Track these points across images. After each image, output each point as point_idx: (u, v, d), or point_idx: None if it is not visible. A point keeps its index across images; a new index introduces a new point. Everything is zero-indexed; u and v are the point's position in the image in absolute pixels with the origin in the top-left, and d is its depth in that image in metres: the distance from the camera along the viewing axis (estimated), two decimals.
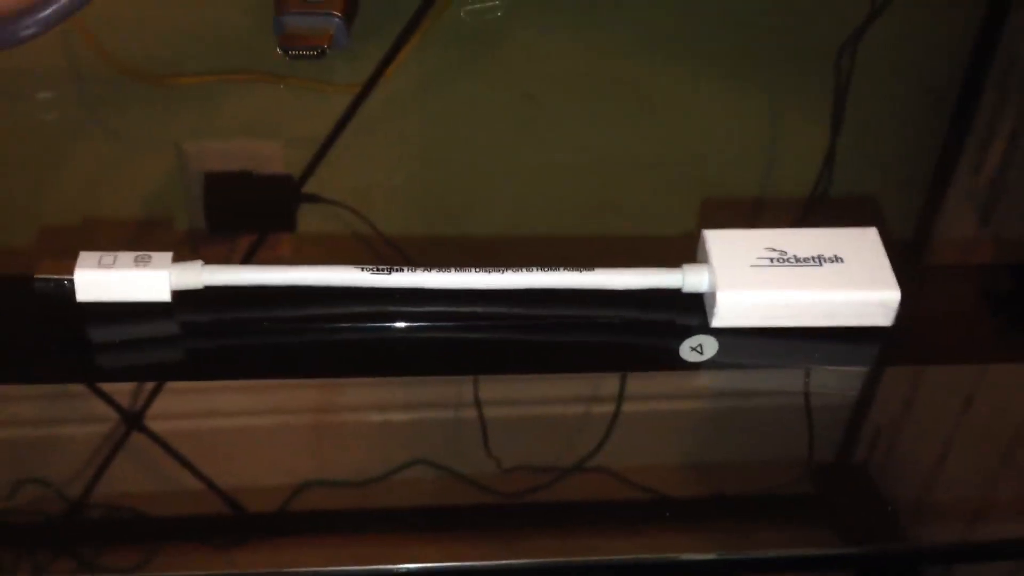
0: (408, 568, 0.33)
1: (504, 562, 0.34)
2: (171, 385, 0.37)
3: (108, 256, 0.36)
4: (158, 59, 0.49)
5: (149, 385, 0.37)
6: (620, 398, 0.37)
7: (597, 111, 0.48)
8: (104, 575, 0.33)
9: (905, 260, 0.37)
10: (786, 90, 0.49)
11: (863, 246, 0.37)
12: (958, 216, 0.45)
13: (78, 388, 0.37)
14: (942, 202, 0.46)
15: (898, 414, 0.38)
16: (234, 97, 0.48)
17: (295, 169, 0.44)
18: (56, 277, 0.36)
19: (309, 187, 0.44)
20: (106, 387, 0.37)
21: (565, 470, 0.35)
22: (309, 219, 0.44)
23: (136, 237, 0.42)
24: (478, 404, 0.37)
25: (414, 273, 0.37)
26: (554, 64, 0.50)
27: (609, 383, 0.38)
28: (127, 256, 0.37)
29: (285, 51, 0.47)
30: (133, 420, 0.36)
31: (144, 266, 0.36)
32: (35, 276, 0.36)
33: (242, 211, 0.44)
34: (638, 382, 0.38)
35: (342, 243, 0.43)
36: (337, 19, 0.47)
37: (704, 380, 0.38)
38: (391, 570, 0.33)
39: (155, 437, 0.36)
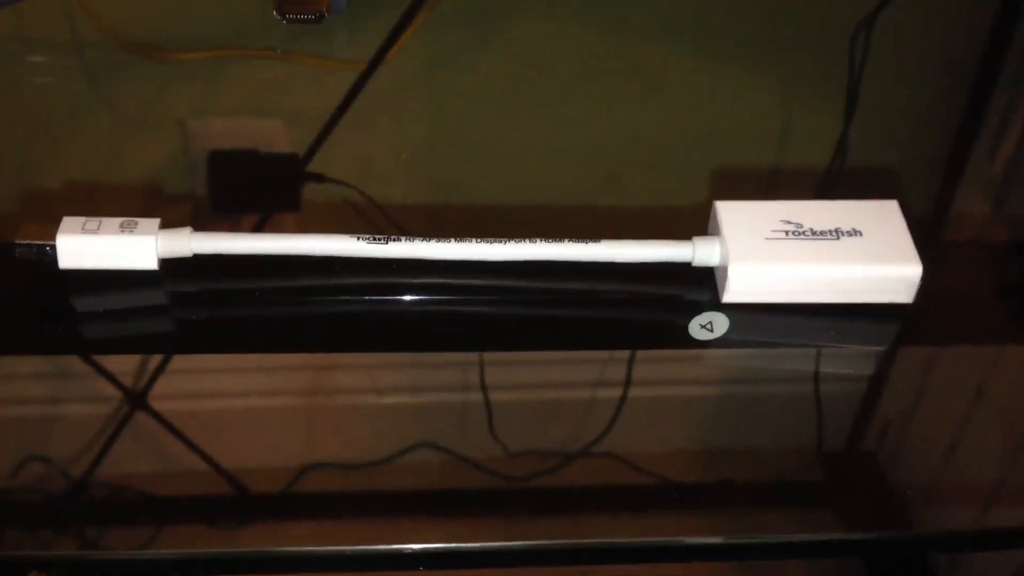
0: (412, 548, 0.32)
1: (506, 544, 0.33)
2: (175, 364, 0.36)
3: (92, 221, 0.35)
4: (160, 33, 0.48)
5: (153, 364, 0.36)
6: (627, 383, 0.36)
7: (606, 87, 0.47)
8: (107, 551, 0.32)
9: (922, 238, 0.36)
10: (801, 69, 0.48)
11: (883, 219, 0.36)
12: (973, 197, 0.44)
13: (81, 367, 0.36)
14: (957, 183, 0.44)
15: (910, 401, 0.36)
16: (238, 73, 0.47)
17: (300, 147, 0.43)
18: (38, 243, 0.35)
19: (314, 165, 0.43)
20: (110, 366, 0.36)
21: (571, 455, 0.34)
22: (314, 198, 0.42)
23: (132, 213, 0.41)
24: (484, 387, 0.36)
25: (412, 243, 0.36)
26: (563, 40, 0.49)
27: (616, 367, 0.36)
28: (112, 222, 0.35)
29: (282, 16, 0.46)
30: (137, 400, 0.35)
31: (130, 232, 0.35)
32: (16, 241, 0.35)
33: (246, 190, 0.43)
34: (645, 367, 0.37)
35: (347, 222, 0.42)
36: None
37: (712, 365, 0.36)
38: (395, 550, 0.32)
39: (159, 417, 0.35)
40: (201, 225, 0.37)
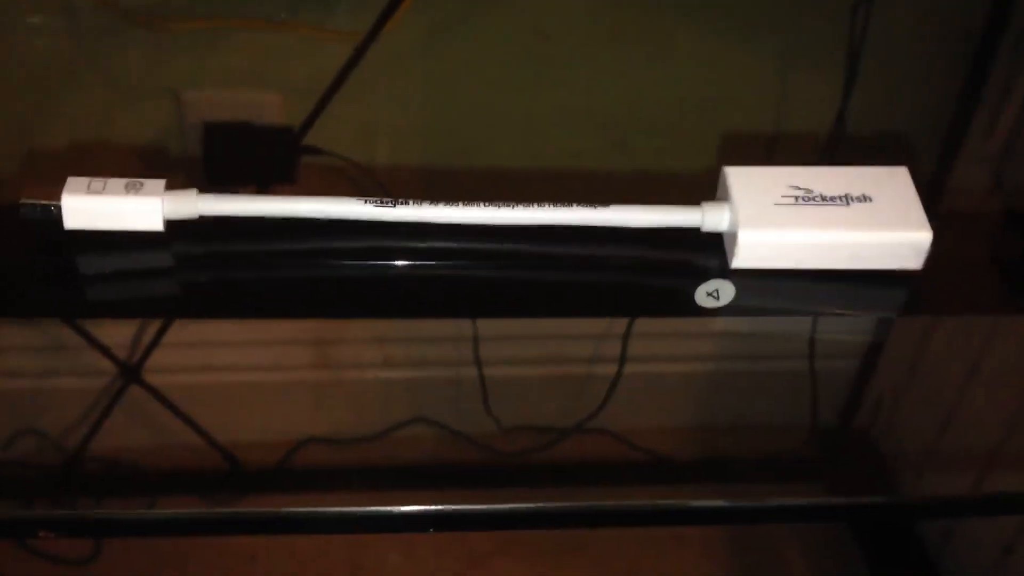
0: (403, 511, 0.32)
1: (495, 506, 0.33)
2: (169, 338, 0.35)
3: (98, 182, 0.35)
4: (159, 1, 0.48)
5: (147, 337, 0.35)
6: (622, 359, 0.36)
7: (611, 52, 0.47)
8: (115, 511, 0.32)
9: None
10: (805, 37, 0.48)
11: (893, 185, 0.35)
12: (972, 167, 0.44)
13: (76, 340, 0.36)
14: (957, 152, 0.45)
15: (905, 374, 0.36)
16: (233, 43, 0.47)
17: (296, 119, 0.43)
18: (43, 202, 0.35)
19: (312, 138, 0.42)
20: (104, 338, 0.35)
21: (566, 430, 0.34)
22: (311, 170, 0.42)
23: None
24: (478, 363, 0.35)
25: (419, 206, 0.35)
26: (568, 4, 0.48)
27: (611, 344, 0.36)
28: (118, 183, 0.35)
29: None
30: (131, 373, 0.35)
31: (136, 193, 0.35)
32: (21, 201, 0.34)
33: (241, 163, 0.42)
34: (640, 343, 0.36)
35: (345, 195, 0.41)
36: None
37: (713, 337, 0.36)
38: (388, 512, 0.32)
39: (153, 390, 0.34)
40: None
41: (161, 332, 0.36)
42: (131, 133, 0.43)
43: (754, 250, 0.35)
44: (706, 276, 0.36)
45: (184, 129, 0.44)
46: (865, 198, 0.35)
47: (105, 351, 0.35)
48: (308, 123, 0.43)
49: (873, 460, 0.35)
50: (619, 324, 0.37)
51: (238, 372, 0.36)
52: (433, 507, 0.32)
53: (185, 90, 0.45)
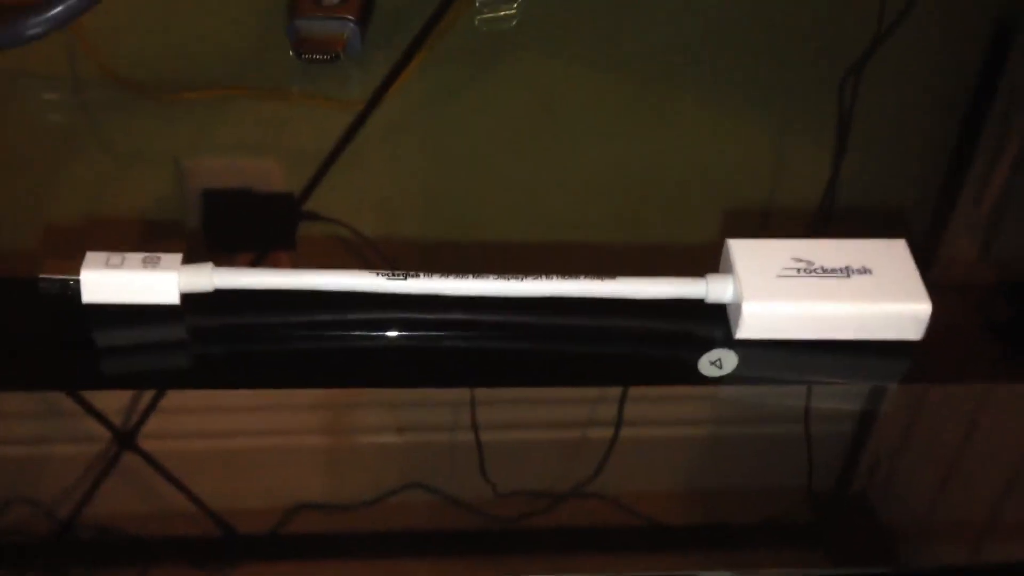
0: None
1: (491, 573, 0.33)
2: (164, 404, 0.36)
3: (116, 256, 0.35)
4: (159, 71, 0.48)
5: (143, 403, 0.35)
6: (618, 423, 0.36)
7: (612, 123, 0.47)
8: None
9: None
10: (794, 112, 0.49)
11: (892, 257, 0.36)
12: (961, 237, 0.44)
13: (70, 406, 0.36)
14: (945, 227, 0.45)
15: (902, 438, 0.37)
16: (235, 112, 0.47)
17: (297, 186, 0.43)
18: (62, 277, 0.35)
19: (313, 204, 0.43)
20: (100, 404, 0.35)
21: (561, 495, 0.34)
22: (310, 238, 0.42)
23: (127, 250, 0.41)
24: (475, 427, 0.36)
25: (431, 279, 0.36)
26: (569, 75, 0.49)
27: (607, 407, 0.37)
28: (135, 257, 0.36)
29: (299, 55, 0.46)
30: (125, 439, 0.35)
31: (153, 267, 0.35)
32: (40, 276, 0.35)
33: (241, 229, 0.43)
34: (636, 407, 0.37)
35: (344, 261, 0.41)
36: (352, 24, 0.46)
37: (716, 403, 0.37)
38: None
39: (147, 457, 0.34)
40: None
41: (156, 399, 0.36)
42: (133, 201, 0.43)
43: (758, 321, 0.36)
44: (710, 346, 0.37)
45: (185, 196, 0.44)
46: (865, 270, 0.36)
47: (100, 417, 0.35)
48: (308, 190, 0.44)
49: (872, 525, 0.35)
50: (615, 388, 0.37)
51: (234, 438, 0.36)
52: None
53: (186, 158, 0.45)
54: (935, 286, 0.36)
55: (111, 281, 0.35)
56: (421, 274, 0.36)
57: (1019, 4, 0.54)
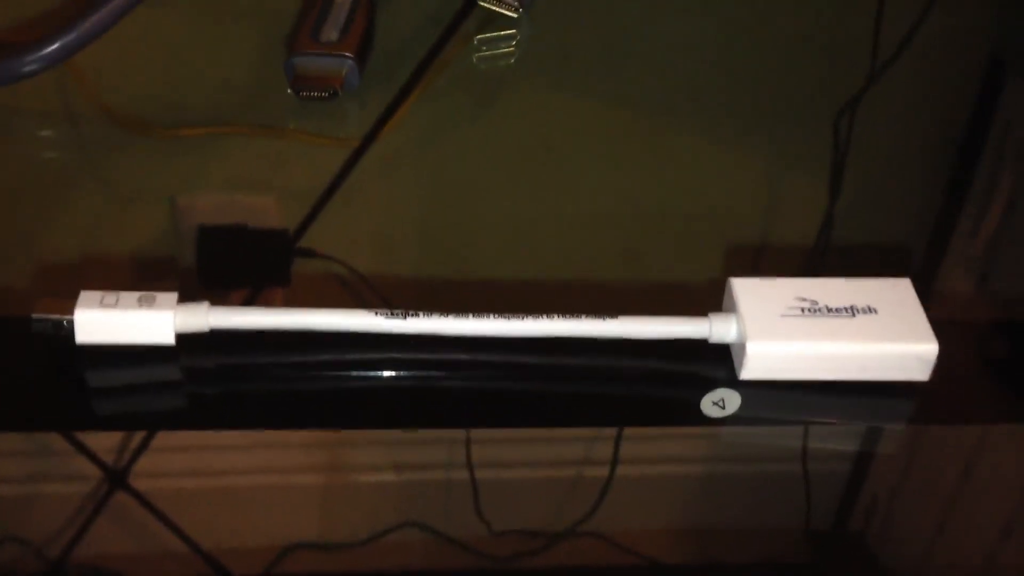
0: None
1: None
2: (156, 443, 0.35)
3: (111, 296, 0.35)
4: (155, 108, 0.48)
5: (134, 443, 0.35)
6: (614, 461, 0.36)
7: (611, 160, 0.47)
8: None
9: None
10: (788, 151, 0.49)
11: (896, 297, 0.36)
12: (957, 275, 0.44)
13: (61, 445, 0.35)
14: (941, 261, 0.45)
15: (900, 479, 0.37)
16: (232, 149, 0.47)
17: (292, 222, 0.43)
18: (55, 317, 0.35)
19: (307, 241, 0.42)
20: (92, 443, 0.35)
21: (557, 534, 0.34)
22: (305, 275, 0.42)
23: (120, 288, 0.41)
24: (470, 465, 0.35)
25: (430, 319, 0.36)
26: (567, 112, 0.49)
27: (603, 446, 0.36)
28: (130, 296, 0.35)
29: (297, 92, 0.46)
30: (117, 479, 0.34)
31: (148, 307, 0.35)
32: (33, 315, 0.35)
33: (236, 266, 0.42)
34: (632, 445, 0.36)
35: (338, 298, 0.42)
36: (349, 61, 0.46)
37: (702, 442, 0.36)
38: None
39: (139, 496, 0.34)
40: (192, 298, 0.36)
41: (148, 437, 0.36)
42: (128, 238, 0.43)
43: (763, 361, 0.35)
44: (713, 386, 0.36)
45: (180, 233, 0.44)
46: (870, 309, 0.36)
47: (91, 456, 0.35)
48: (304, 226, 0.44)
49: (870, 566, 0.35)
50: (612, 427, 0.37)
51: (227, 476, 0.36)
52: None
53: (182, 195, 0.45)
54: (933, 322, 0.36)
55: (105, 321, 0.35)
56: (420, 313, 0.36)
57: (1012, 41, 0.54)
